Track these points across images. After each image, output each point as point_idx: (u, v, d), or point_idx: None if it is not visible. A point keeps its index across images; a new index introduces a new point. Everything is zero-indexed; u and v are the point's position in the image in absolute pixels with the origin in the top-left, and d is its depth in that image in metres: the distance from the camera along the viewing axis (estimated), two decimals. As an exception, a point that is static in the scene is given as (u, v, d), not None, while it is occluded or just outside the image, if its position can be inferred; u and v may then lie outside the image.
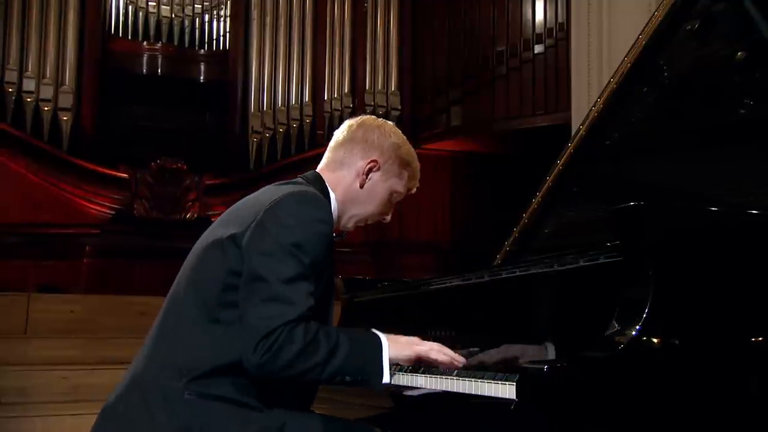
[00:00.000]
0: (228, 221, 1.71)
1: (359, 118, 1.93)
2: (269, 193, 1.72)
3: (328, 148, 1.90)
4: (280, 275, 1.56)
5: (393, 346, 1.67)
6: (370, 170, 1.84)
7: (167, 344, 1.66)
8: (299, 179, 1.83)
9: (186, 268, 1.73)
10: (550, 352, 1.65)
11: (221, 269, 1.63)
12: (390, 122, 1.95)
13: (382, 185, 1.86)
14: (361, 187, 1.84)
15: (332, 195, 1.83)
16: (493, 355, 1.79)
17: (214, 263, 1.65)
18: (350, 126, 1.90)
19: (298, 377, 1.57)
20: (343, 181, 1.84)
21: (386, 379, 1.63)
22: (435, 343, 1.73)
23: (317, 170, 1.88)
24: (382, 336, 1.67)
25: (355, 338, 1.64)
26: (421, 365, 1.77)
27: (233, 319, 1.60)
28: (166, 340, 1.67)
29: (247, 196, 1.78)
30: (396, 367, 1.78)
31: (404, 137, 1.92)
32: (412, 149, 1.93)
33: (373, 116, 1.97)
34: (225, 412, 1.59)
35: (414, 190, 1.95)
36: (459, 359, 1.72)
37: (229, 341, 1.60)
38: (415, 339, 1.73)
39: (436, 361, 1.70)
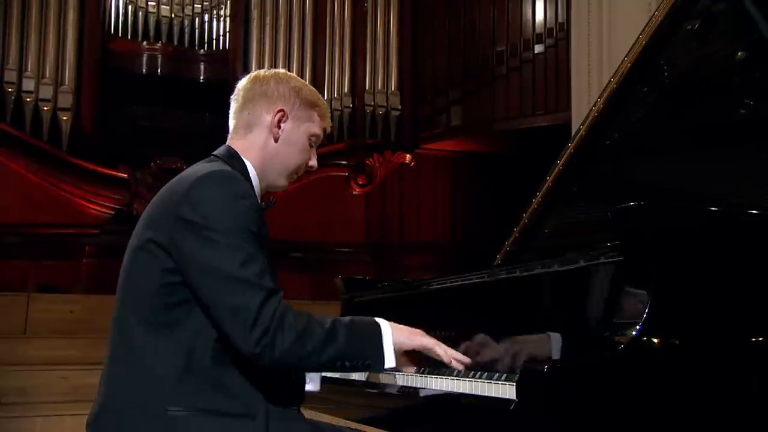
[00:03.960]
0: (147, 221, 1.64)
1: (250, 75, 1.86)
2: (179, 183, 1.64)
3: (231, 116, 1.83)
4: (231, 261, 1.51)
5: (397, 333, 1.64)
6: (279, 121, 1.78)
7: (126, 361, 1.58)
8: (211, 157, 1.76)
9: (123, 271, 1.65)
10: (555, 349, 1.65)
11: (154, 272, 1.56)
12: (282, 69, 1.90)
13: (297, 132, 1.80)
14: (276, 141, 1.78)
15: (248, 164, 1.76)
16: (507, 362, 1.78)
17: (145, 267, 1.58)
18: (245, 86, 1.82)
19: (296, 365, 1.55)
20: (256, 143, 1.78)
21: (389, 363, 1.60)
22: (437, 341, 1.71)
23: (227, 142, 1.81)
24: (383, 321, 1.65)
25: (351, 324, 1.60)
26: (421, 362, 1.76)
27: (186, 315, 1.55)
28: (124, 356, 1.59)
29: (162, 189, 1.70)
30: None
31: (302, 80, 1.87)
32: (313, 89, 1.87)
33: (263, 69, 1.90)
34: (214, 425, 1.52)
35: (329, 128, 1.89)
36: (464, 359, 1.69)
37: (188, 343, 1.54)
38: (419, 331, 1.70)
39: (439, 356, 1.68)
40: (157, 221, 1.60)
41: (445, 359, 1.68)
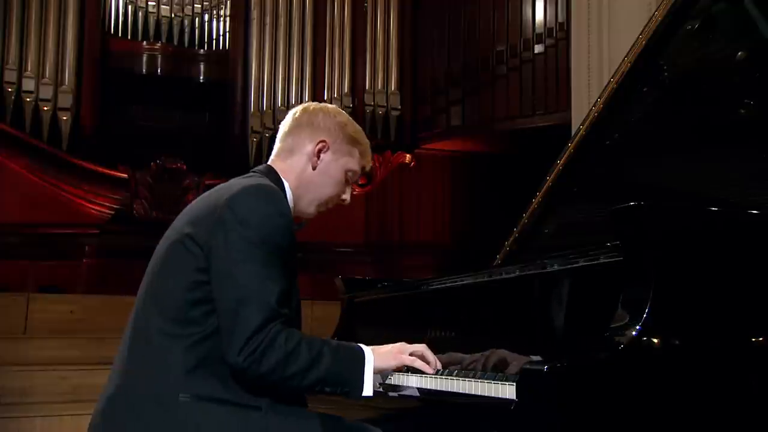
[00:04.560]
0: (188, 219, 1.71)
1: (302, 105, 1.96)
2: (224, 189, 1.72)
3: (277, 139, 1.92)
4: (250, 273, 1.57)
5: (378, 358, 1.70)
6: (320, 151, 1.86)
7: (144, 351, 1.64)
8: (251, 173, 1.84)
9: (151, 271, 1.72)
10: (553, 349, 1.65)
11: (188, 268, 1.63)
12: (333, 105, 1.98)
13: (335, 165, 1.87)
14: (314, 169, 1.86)
15: (286, 185, 1.84)
16: (507, 363, 1.78)
17: (179, 263, 1.65)
18: (294, 113, 1.92)
19: (279, 384, 1.59)
20: (295, 168, 1.86)
21: (367, 392, 1.66)
22: (420, 347, 1.77)
23: (268, 162, 1.89)
24: (367, 349, 1.70)
25: (338, 350, 1.66)
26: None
27: (205, 315, 1.61)
28: (142, 346, 1.65)
29: (204, 193, 1.79)
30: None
31: (349, 117, 1.94)
32: (359, 127, 1.95)
33: (316, 102, 2.00)
34: (222, 414, 1.58)
35: (368, 167, 1.96)
36: (438, 367, 1.77)
37: (207, 337, 1.61)
38: (399, 346, 1.77)
39: (422, 369, 1.75)
40: (200, 219, 1.67)
41: (430, 371, 1.75)
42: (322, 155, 1.86)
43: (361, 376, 1.66)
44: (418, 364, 1.75)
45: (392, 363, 1.74)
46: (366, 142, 1.94)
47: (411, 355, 1.76)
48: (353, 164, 1.90)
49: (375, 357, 1.70)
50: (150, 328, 1.64)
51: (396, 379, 1.80)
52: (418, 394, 1.79)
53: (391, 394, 1.81)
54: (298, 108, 1.94)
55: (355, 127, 1.92)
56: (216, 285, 1.60)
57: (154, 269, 1.72)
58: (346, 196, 1.93)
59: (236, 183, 1.73)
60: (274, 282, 1.59)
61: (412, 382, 1.78)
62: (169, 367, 1.59)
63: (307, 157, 1.85)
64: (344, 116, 1.92)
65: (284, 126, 1.91)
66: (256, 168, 1.87)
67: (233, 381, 1.60)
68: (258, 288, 1.57)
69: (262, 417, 1.61)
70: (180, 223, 1.73)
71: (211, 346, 1.60)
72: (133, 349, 1.66)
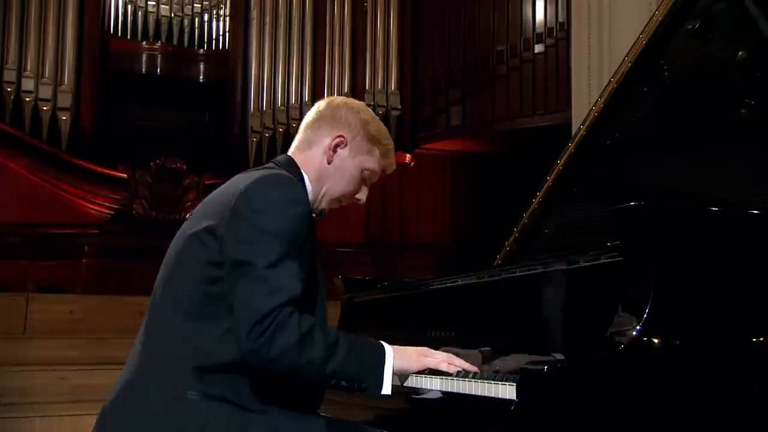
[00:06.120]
0: (202, 213, 1.70)
1: (328, 98, 1.92)
2: (240, 180, 1.70)
3: (299, 131, 1.89)
4: (262, 259, 1.54)
5: (400, 358, 1.65)
6: (336, 146, 1.82)
7: (157, 346, 1.64)
8: (270, 164, 1.82)
9: (166, 265, 1.71)
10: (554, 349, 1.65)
11: (201, 262, 1.61)
12: (360, 101, 1.93)
13: (351, 161, 1.83)
14: (329, 163, 1.82)
15: (305, 176, 1.81)
16: (507, 363, 1.78)
17: (194, 257, 1.63)
18: (319, 106, 1.89)
19: (293, 373, 1.55)
20: (312, 160, 1.82)
21: (386, 390, 1.61)
22: (445, 354, 1.72)
23: (288, 153, 1.86)
24: (388, 346, 1.65)
25: (357, 342, 1.62)
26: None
27: (221, 312, 1.59)
28: (155, 341, 1.65)
29: (221, 186, 1.76)
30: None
31: (375, 116, 1.89)
32: (384, 127, 1.90)
33: (342, 96, 1.97)
34: (226, 414, 1.57)
35: (390, 170, 1.91)
36: (471, 369, 1.69)
37: (221, 337, 1.58)
38: (423, 350, 1.71)
39: (447, 371, 1.69)
40: (216, 211, 1.64)
41: (453, 372, 1.69)
42: (339, 150, 1.82)
43: (381, 372, 1.61)
44: (444, 366, 1.68)
45: (414, 365, 1.68)
46: (389, 142, 1.89)
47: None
48: (371, 164, 1.85)
49: (396, 356, 1.64)
50: (162, 324, 1.65)
51: (394, 378, 1.79)
52: (417, 394, 1.79)
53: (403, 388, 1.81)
54: (324, 101, 1.91)
55: (378, 126, 1.87)
56: (229, 274, 1.57)
57: (168, 263, 1.70)
58: (361, 196, 1.88)
59: (252, 174, 1.71)
60: (285, 268, 1.56)
61: (411, 381, 1.78)
62: (182, 366, 1.58)
63: (323, 150, 1.82)
64: (368, 113, 1.88)
65: (307, 117, 1.88)
66: (275, 158, 1.85)
67: (243, 386, 1.58)
68: (268, 273, 1.53)
69: (268, 419, 1.59)
70: (196, 216, 1.71)
71: (225, 347, 1.58)
72: (146, 344, 1.66)
